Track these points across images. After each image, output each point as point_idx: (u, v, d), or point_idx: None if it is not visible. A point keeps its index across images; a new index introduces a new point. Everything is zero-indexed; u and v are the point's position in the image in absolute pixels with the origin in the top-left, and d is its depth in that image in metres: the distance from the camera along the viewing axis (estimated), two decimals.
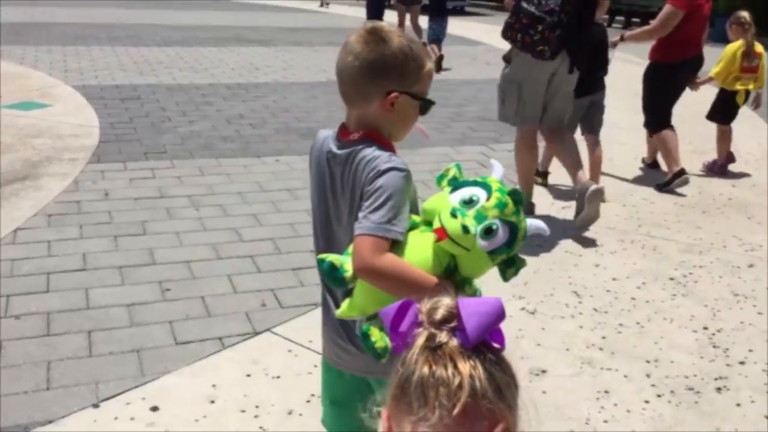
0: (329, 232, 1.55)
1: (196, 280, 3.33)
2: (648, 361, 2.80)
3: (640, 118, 5.33)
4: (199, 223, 4.01)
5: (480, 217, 1.30)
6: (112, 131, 5.73)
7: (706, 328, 3.09)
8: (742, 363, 2.82)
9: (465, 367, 0.79)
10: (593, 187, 3.98)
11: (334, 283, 1.42)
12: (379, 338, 1.32)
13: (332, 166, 1.49)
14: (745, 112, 6.03)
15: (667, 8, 4.88)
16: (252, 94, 7.44)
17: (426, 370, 0.80)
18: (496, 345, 0.84)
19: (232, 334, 2.87)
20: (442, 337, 0.81)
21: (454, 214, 1.29)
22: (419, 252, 1.35)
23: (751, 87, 5.41)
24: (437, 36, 9.42)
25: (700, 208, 4.65)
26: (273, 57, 10.01)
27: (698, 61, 5.11)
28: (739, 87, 5.40)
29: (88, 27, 12.00)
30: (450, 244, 1.29)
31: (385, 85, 1.43)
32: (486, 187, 1.34)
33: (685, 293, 3.42)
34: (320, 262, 1.41)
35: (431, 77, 1.52)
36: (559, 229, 4.10)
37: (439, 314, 0.83)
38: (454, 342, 0.81)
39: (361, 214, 1.37)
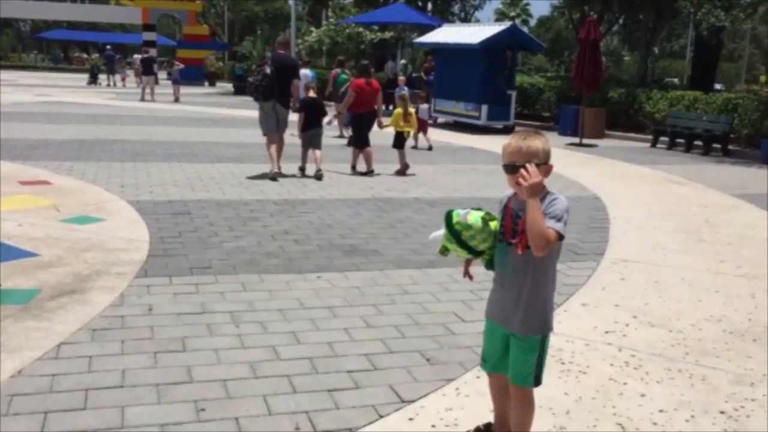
0: None
1: (231, 399, 3.31)
2: None
3: (688, 237, 5.26)
4: (238, 340, 4.03)
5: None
6: (161, 246, 5.91)
7: None
8: None
9: None
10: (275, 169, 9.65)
11: None
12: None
13: None
14: None
15: (349, 92, 10.73)
16: (298, 210, 7.63)
17: None
18: None
19: None
20: None
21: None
22: None
23: (409, 130, 11.22)
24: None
25: (750, 335, 4.49)
26: None
27: (372, 114, 10.53)
28: (405, 128, 10.98)
29: (147, 144, 12.64)
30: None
31: None
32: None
33: (737, 429, 3.25)
34: None
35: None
36: (600, 356, 4.00)
37: None
38: None
39: None
